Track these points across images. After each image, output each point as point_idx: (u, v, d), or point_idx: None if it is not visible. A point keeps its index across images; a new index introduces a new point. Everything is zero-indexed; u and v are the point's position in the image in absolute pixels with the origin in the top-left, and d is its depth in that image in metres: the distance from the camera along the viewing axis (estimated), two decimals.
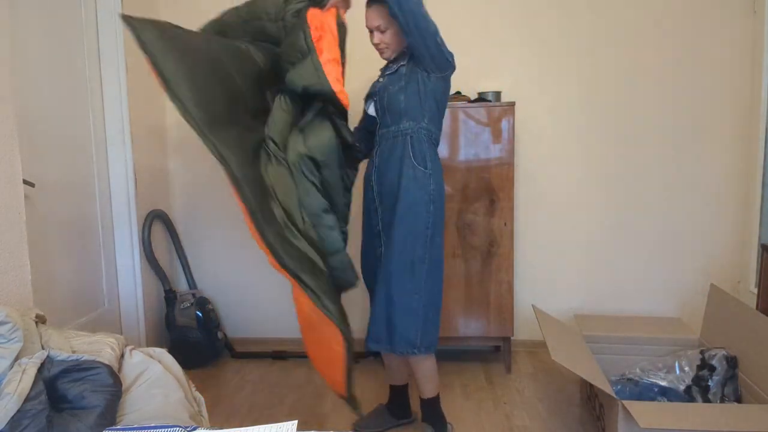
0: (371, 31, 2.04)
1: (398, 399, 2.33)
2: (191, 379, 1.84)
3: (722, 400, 2.07)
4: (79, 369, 1.44)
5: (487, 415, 2.40)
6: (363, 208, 2.19)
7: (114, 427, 1.29)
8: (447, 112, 2.66)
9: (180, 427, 1.14)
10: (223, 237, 3.18)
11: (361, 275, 2.16)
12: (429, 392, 2.17)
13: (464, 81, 2.92)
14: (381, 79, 2.12)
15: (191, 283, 3.16)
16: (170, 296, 3.00)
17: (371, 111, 2.14)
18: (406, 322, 2.00)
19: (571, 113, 2.98)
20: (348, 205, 2.11)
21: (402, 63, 2.05)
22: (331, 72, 1.92)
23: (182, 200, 3.18)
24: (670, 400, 2.14)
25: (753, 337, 2.06)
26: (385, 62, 2.14)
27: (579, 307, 3.06)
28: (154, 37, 1.64)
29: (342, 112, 2.03)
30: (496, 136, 2.67)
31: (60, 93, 2.39)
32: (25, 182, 1.93)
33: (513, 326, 2.79)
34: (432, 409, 2.19)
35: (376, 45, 2.05)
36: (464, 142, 2.68)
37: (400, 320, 2.00)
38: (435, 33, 1.91)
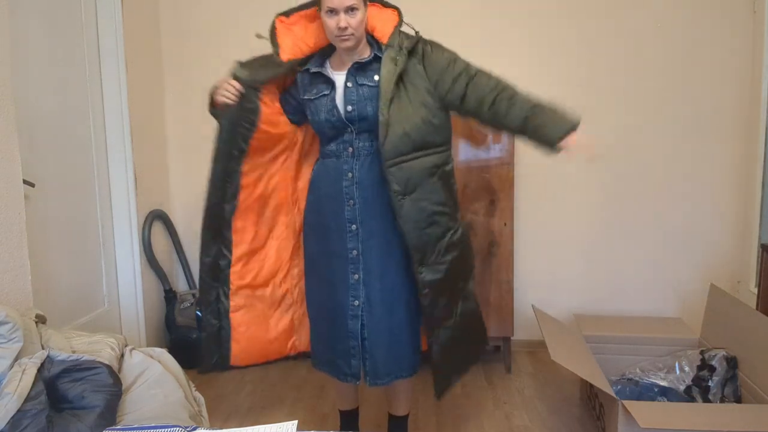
0: (334, 12, 1.70)
1: (351, 425, 2.12)
2: (191, 379, 1.85)
3: (722, 401, 2.07)
4: (79, 369, 1.44)
5: (487, 415, 2.40)
6: (319, 231, 1.87)
7: (114, 427, 1.29)
8: None
9: (180, 427, 1.14)
10: None
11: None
12: (407, 407, 2.08)
13: None
14: (348, 84, 1.79)
15: (191, 283, 3.16)
16: (170, 296, 3.00)
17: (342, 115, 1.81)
18: (415, 343, 1.91)
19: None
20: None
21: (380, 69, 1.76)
22: None
23: (182, 200, 3.18)
24: (670, 400, 2.14)
25: (753, 337, 2.06)
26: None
27: (579, 307, 3.06)
28: None
29: None
30: (496, 136, 2.67)
31: (60, 93, 2.39)
32: (25, 182, 1.93)
33: (513, 326, 2.79)
34: (406, 427, 2.10)
35: (341, 30, 1.71)
36: (464, 141, 2.68)
37: (412, 343, 1.90)
38: None
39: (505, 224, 2.70)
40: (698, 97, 2.91)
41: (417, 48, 1.82)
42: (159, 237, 3.03)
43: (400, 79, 1.77)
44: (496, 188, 2.69)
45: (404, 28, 1.85)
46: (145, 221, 2.85)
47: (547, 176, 3.01)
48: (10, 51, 1.81)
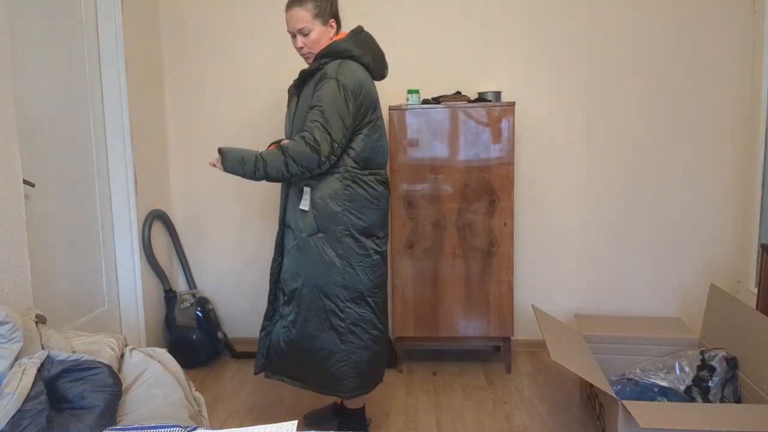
0: (293, 35, 2.02)
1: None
2: (191, 379, 1.85)
3: (722, 401, 2.07)
4: (79, 369, 1.44)
5: (487, 415, 2.40)
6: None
7: (114, 427, 1.29)
8: (448, 111, 2.69)
9: (180, 427, 1.14)
10: (222, 237, 3.18)
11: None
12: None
13: (464, 81, 2.93)
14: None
15: (191, 283, 3.16)
16: (170, 296, 3.00)
17: None
18: None
19: (571, 113, 2.98)
20: None
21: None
22: None
23: (182, 200, 3.18)
24: (670, 400, 2.14)
25: (753, 337, 2.07)
26: None
27: (579, 307, 3.07)
28: None
29: None
30: (496, 136, 2.67)
31: (60, 93, 2.39)
32: (25, 182, 1.93)
33: (513, 326, 2.79)
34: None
35: (299, 49, 2.02)
36: (464, 142, 2.68)
37: None
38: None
39: (505, 224, 2.71)
40: (698, 97, 2.91)
41: (315, 74, 1.99)
42: (159, 237, 3.03)
43: (297, 100, 2.04)
44: (496, 188, 2.69)
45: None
46: (145, 221, 2.85)
47: (547, 176, 3.02)
48: (10, 51, 1.81)
